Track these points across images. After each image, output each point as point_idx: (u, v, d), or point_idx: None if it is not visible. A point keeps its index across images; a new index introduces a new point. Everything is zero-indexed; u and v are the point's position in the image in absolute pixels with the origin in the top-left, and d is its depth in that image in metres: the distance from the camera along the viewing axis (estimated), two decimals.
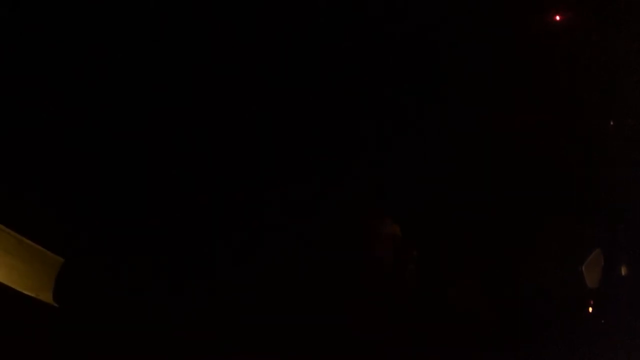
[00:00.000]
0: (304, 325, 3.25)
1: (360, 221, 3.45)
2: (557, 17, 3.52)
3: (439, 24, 3.46)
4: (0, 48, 3.17)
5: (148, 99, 3.37)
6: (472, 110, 3.55)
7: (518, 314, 3.40)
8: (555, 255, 3.44)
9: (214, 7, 3.43)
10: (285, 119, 3.51)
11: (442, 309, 3.41)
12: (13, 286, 3.12)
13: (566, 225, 3.47)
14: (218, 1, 3.42)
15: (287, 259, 3.37)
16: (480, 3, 3.44)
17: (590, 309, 3.40)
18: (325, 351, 3.24)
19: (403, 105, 3.56)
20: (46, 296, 3.21)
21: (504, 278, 3.46)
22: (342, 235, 3.41)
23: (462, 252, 3.50)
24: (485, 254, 3.51)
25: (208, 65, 3.46)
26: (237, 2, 3.42)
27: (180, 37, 3.42)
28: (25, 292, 3.15)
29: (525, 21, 3.52)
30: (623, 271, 3.45)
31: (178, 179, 3.40)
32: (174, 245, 3.35)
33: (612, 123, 3.55)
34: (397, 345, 3.26)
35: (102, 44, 3.34)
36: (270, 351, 3.24)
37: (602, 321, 3.36)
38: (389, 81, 3.54)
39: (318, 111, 3.52)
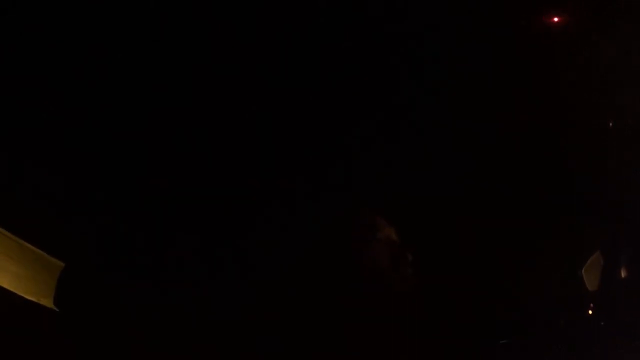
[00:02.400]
0: (296, 332, 3.25)
1: (354, 224, 3.43)
2: (557, 16, 3.52)
3: (437, 23, 3.45)
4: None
5: (147, 102, 3.36)
6: (470, 110, 3.55)
7: (517, 315, 3.41)
8: (554, 257, 3.45)
9: (213, 6, 3.41)
10: (280, 118, 3.51)
11: (440, 312, 3.42)
12: (15, 291, 3.10)
13: (565, 227, 3.48)
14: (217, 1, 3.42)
15: (278, 264, 3.36)
16: (479, 3, 3.44)
17: (590, 310, 3.41)
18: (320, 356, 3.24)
19: (400, 106, 3.55)
20: (48, 301, 3.20)
21: (502, 280, 3.47)
22: (336, 238, 3.40)
23: (460, 254, 3.50)
24: (483, 256, 3.51)
25: (206, 64, 3.45)
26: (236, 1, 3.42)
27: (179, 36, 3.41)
28: (27, 297, 3.14)
29: (524, 21, 3.52)
30: (623, 272, 3.46)
31: (179, 181, 3.40)
32: (176, 250, 3.35)
33: (611, 123, 3.55)
34: (394, 349, 3.26)
35: (101, 43, 3.33)
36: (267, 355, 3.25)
37: (602, 322, 3.38)
38: (384, 80, 3.53)
39: (313, 111, 3.51)
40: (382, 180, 3.52)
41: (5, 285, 3.12)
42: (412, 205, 3.49)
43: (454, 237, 3.52)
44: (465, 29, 3.46)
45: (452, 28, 3.46)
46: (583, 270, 3.40)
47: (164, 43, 3.41)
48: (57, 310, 3.19)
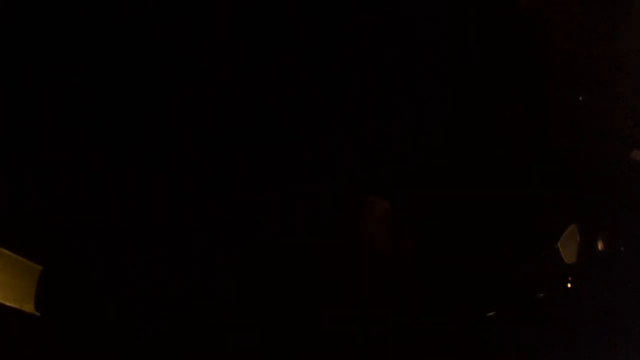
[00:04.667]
0: (294, 319, 3.22)
1: (355, 206, 3.44)
2: (556, 15, 3.53)
3: (432, 20, 3.43)
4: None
5: (130, 105, 3.27)
6: (471, 101, 3.53)
7: (515, 309, 3.43)
8: (554, 250, 3.47)
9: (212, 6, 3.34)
10: (278, 106, 3.44)
11: (436, 303, 3.41)
12: None
13: (564, 221, 3.51)
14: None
15: (275, 249, 3.31)
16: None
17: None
18: (317, 345, 3.22)
19: (398, 94, 3.51)
20: (30, 307, 3.13)
21: (501, 273, 3.47)
22: (335, 222, 3.39)
23: (459, 243, 3.49)
24: (481, 246, 3.50)
25: (204, 63, 3.37)
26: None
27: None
28: (9, 305, 3.10)
29: (525, 18, 3.52)
30: (623, 272, 3.50)
31: (163, 179, 3.31)
32: (157, 249, 3.25)
33: (610, 117, 3.58)
34: (391, 337, 3.27)
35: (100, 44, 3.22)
36: (266, 349, 3.20)
37: (602, 321, 3.42)
38: (379, 70, 3.49)
39: (313, 97, 3.46)
40: (380, 166, 3.48)
41: None
42: (408, 190, 3.47)
43: (450, 227, 3.50)
44: (464, 28, 3.44)
45: (448, 24, 3.44)
46: (559, 244, 3.42)
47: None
48: (40, 315, 3.13)
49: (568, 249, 3.44)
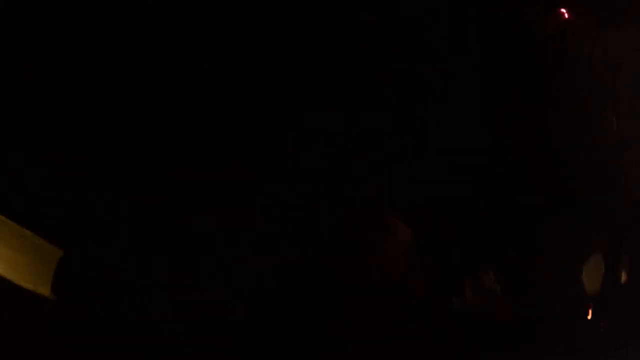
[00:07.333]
0: (304, 333, 3.24)
1: (366, 223, 3.44)
2: (557, 16, 3.54)
3: (437, 21, 3.46)
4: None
5: (143, 93, 3.37)
6: (474, 110, 3.54)
7: (519, 316, 3.39)
8: (558, 258, 3.43)
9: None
10: (286, 116, 3.51)
11: (444, 311, 3.40)
12: (12, 279, 3.12)
13: (567, 228, 3.46)
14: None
15: (287, 264, 3.35)
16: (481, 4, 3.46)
17: (591, 312, 3.38)
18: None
19: (408, 105, 3.54)
20: (45, 289, 3.21)
21: (507, 281, 3.44)
22: (347, 238, 3.40)
23: (466, 254, 3.48)
24: (488, 256, 3.49)
25: (205, 62, 3.46)
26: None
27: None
28: (25, 286, 3.16)
29: (525, 19, 3.53)
30: (624, 274, 3.43)
31: (178, 171, 3.40)
32: (175, 239, 3.34)
33: (612, 123, 3.54)
34: (402, 348, 3.25)
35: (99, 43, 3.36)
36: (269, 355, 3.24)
37: (603, 323, 3.35)
38: (390, 77, 3.53)
39: (319, 108, 3.51)
40: (390, 180, 3.50)
41: (2, 273, 3.12)
42: (418, 207, 3.48)
43: (456, 238, 3.49)
44: (466, 29, 3.47)
45: (452, 27, 3.47)
46: (583, 272, 3.36)
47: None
48: (55, 298, 3.20)
49: (592, 280, 3.40)
